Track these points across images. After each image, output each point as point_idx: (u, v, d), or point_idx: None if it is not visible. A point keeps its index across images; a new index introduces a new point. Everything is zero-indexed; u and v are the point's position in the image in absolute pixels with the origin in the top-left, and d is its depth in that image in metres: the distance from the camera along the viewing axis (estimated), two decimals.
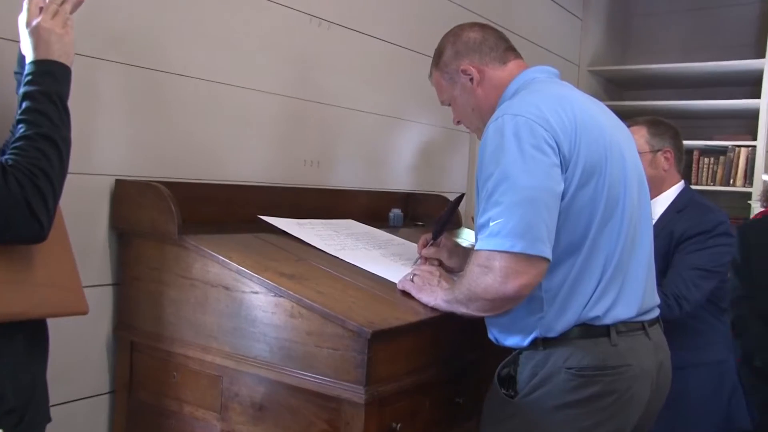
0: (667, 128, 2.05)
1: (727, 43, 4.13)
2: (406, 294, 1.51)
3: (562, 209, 1.28)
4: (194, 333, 1.53)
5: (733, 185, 3.78)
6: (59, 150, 1.12)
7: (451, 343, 1.49)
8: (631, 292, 1.36)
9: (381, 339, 1.28)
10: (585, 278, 1.32)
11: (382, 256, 1.79)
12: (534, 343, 1.34)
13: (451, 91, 1.55)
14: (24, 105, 1.13)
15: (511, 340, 1.38)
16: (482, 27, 1.55)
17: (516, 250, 1.22)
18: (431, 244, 1.71)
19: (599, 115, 1.40)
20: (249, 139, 2.04)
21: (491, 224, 1.25)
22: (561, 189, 1.28)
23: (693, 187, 2.36)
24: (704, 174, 3.90)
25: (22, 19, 1.19)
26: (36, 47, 1.16)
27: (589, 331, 1.32)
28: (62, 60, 1.17)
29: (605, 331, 1.32)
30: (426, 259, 1.71)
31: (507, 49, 1.53)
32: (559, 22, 3.80)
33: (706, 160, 3.91)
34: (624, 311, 1.34)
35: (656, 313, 1.45)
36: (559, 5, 3.76)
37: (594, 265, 1.32)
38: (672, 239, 1.90)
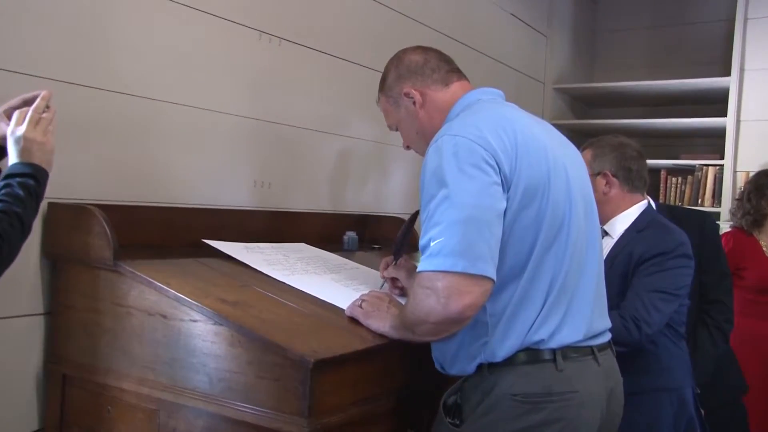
0: (610, 149, 2.07)
1: (694, 60, 4.27)
2: (354, 320, 1.52)
3: (504, 231, 1.31)
4: (130, 364, 1.51)
5: (702, 205, 3.87)
6: (23, 229, 1.32)
7: (401, 372, 1.50)
8: (578, 314, 1.39)
9: (324, 368, 1.28)
10: (529, 301, 1.34)
11: (333, 281, 1.80)
12: (479, 369, 1.36)
13: (397, 115, 1.61)
14: (5, 190, 1.32)
15: (457, 368, 1.40)
16: (425, 50, 1.61)
17: (457, 269, 1.24)
18: (392, 265, 1.73)
19: (542, 134, 1.44)
20: (196, 159, 2.04)
21: (432, 244, 1.27)
22: (503, 207, 1.31)
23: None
24: (672, 193, 4.00)
25: (10, 128, 1.38)
26: (20, 155, 1.36)
27: (533, 356, 1.34)
28: (43, 165, 1.38)
29: (551, 355, 1.34)
30: (393, 281, 1.73)
31: (450, 71, 1.57)
32: (524, 40, 3.89)
33: (674, 179, 4.01)
34: (570, 335, 1.36)
35: (607, 337, 1.48)
36: (523, 22, 3.84)
37: (538, 287, 1.34)
38: (631, 260, 1.93)
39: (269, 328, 1.37)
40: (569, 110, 4.42)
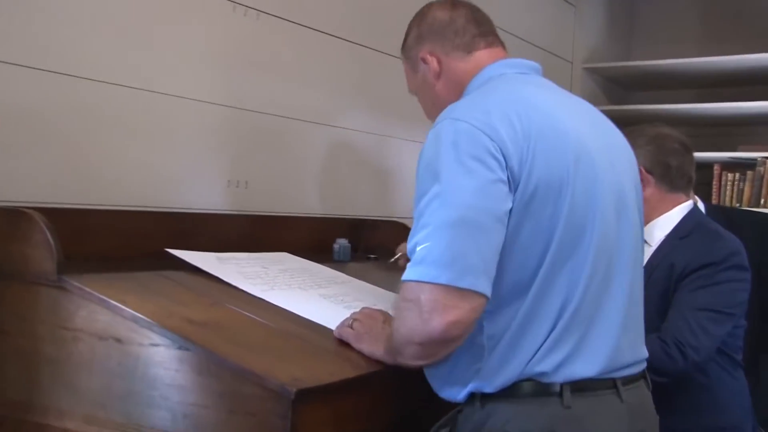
0: (645, 141, 2.09)
1: (756, 32, 4.23)
2: (345, 343, 1.51)
3: (507, 238, 1.29)
4: (76, 400, 1.50)
5: (764, 206, 3.85)
6: None
7: (400, 403, 1.49)
8: (597, 344, 1.35)
9: (309, 400, 1.27)
10: (534, 325, 1.31)
11: (321, 298, 1.81)
12: (471, 399, 1.35)
13: (415, 80, 1.63)
14: None
15: (446, 392, 1.39)
16: (454, 6, 1.60)
17: (441, 281, 1.23)
18: None
19: (572, 120, 1.40)
20: (158, 154, 2.04)
21: (418, 249, 1.27)
22: (506, 209, 1.28)
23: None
24: (728, 193, 3.98)
25: None
26: None
27: (535, 388, 1.31)
28: None
29: (557, 388, 1.31)
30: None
31: (478, 36, 1.55)
32: (548, 10, 3.89)
33: (730, 175, 3.99)
34: (583, 368, 1.33)
35: (639, 368, 1.44)
36: None
37: (546, 308, 1.32)
38: (673, 272, 1.92)
39: (244, 354, 1.36)
40: (603, 94, 4.41)
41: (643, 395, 1.44)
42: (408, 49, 1.62)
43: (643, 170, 2.05)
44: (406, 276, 1.29)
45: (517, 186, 1.29)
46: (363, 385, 1.40)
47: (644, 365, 1.47)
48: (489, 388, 1.32)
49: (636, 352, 1.44)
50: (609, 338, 1.36)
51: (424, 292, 1.25)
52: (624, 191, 1.45)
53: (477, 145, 1.28)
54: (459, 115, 1.33)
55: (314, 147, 2.54)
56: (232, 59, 2.23)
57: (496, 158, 1.28)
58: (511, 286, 1.31)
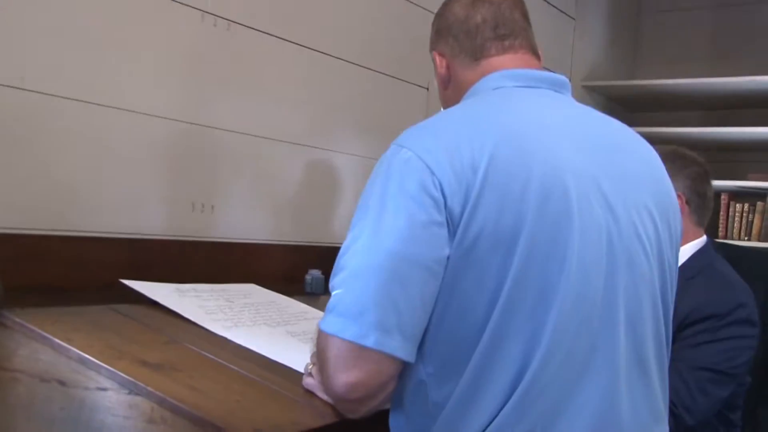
0: (683, 165, 2.05)
1: None
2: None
3: (443, 291, 1.21)
4: None
5: None
6: None
7: None
8: (568, 428, 1.22)
9: None
10: (478, 400, 1.21)
11: (289, 336, 1.80)
12: None
13: (436, 78, 1.59)
14: None
15: None
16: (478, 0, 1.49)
17: (345, 336, 1.19)
18: None
19: (560, 149, 1.27)
20: (113, 175, 2.03)
21: (333, 294, 1.24)
22: (439, 257, 1.20)
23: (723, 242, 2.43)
24: (736, 225, 4.00)
25: None
26: None
27: None
28: None
29: None
30: None
31: (492, 39, 1.45)
32: (545, 24, 3.92)
33: (739, 206, 4.02)
34: None
35: None
36: (545, 1, 3.88)
37: (493, 383, 1.20)
38: (675, 318, 1.90)
39: (202, 400, 1.35)
40: None
41: None
42: (430, 44, 1.57)
43: (683, 198, 2.00)
44: (320, 322, 1.26)
45: (456, 230, 1.20)
46: None
47: None
48: None
49: None
50: (582, 427, 1.23)
51: (329, 345, 1.22)
52: (626, 234, 1.30)
53: (413, 179, 1.20)
54: (405, 140, 1.27)
55: (288, 169, 2.54)
56: (199, 73, 2.23)
57: (432, 197, 1.19)
58: (450, 349, 1.23)
